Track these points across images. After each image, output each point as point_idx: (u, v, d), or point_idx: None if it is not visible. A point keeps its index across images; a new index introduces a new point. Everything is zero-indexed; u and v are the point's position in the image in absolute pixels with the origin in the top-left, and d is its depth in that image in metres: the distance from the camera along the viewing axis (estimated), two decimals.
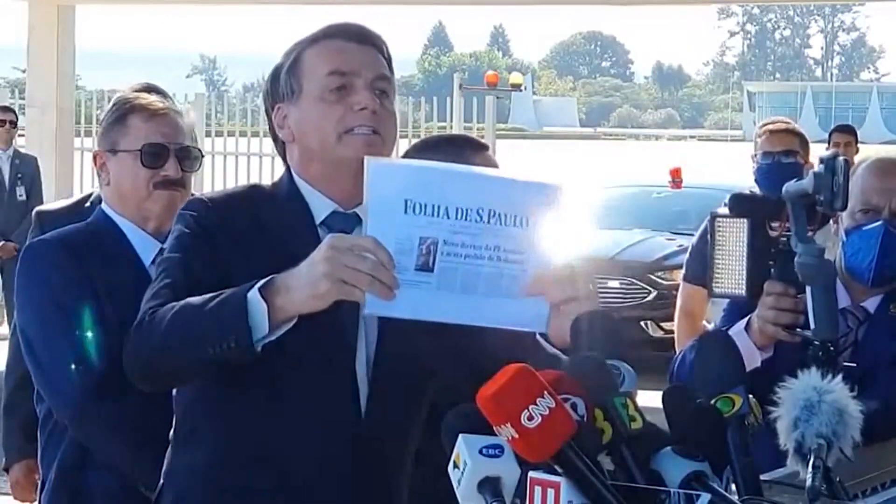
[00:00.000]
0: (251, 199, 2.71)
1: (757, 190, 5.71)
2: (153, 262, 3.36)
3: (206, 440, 2.66)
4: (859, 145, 10.17)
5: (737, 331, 3.12)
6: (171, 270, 2.60)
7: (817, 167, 2.91)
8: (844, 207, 2.93)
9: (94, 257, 3.33)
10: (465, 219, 2.38)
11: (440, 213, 2.37)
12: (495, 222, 2.40)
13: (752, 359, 3.04)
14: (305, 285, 2.35)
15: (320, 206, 2.68)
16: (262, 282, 2.39)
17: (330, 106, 2.64)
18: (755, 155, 5.89)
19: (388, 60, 2.74)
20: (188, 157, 3.45)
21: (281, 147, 2.74)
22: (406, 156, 3.27)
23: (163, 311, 2.49)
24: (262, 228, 2.64)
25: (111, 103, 3.56)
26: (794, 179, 3.00)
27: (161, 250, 3.35)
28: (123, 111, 3.45)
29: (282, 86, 2.69)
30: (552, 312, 2.45)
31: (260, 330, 2.39)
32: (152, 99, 3.51)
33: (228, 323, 2.39)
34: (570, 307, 2.42)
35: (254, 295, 2.38)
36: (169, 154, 3.42)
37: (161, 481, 2.73)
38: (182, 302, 2.48)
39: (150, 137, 3.40)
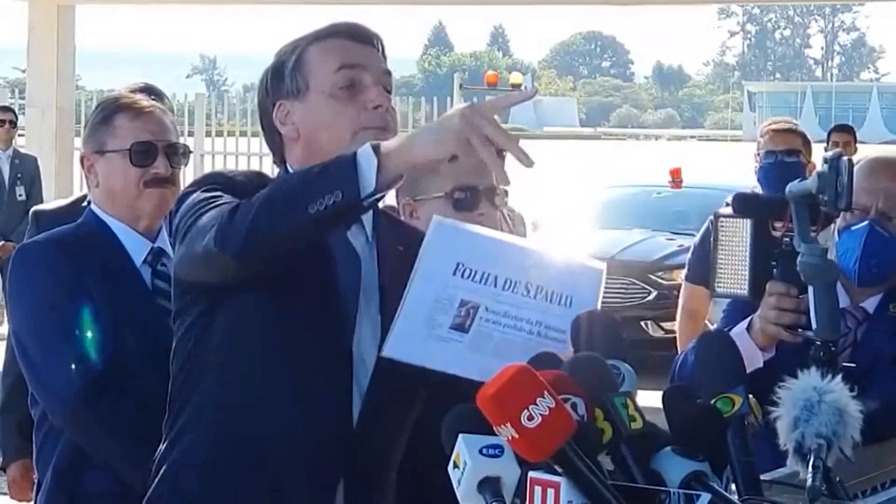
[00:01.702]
0: (262, 184, 2.67)
1: (759, 189, 5.72)
2: (144, 261, 3.37)
3: (199, 442, 2.63)
4: (858, 145, 10.17)
5: (739, 331, 3.11)
6: (218, 199, 2.51)
7: (821, 167, 2.90)
8: (848, 207, 2.92)
9: (85, 258, 3.32)
10: (513, 290, 2.45)
11: (488, 281, 2.43)
12: (542, 299, 2.47)
13: (754, 359, 3.03)
14: (429, 138, 2.31)
15: None
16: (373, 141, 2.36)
17: (342, 104, 2.63)
18: (758, 154, 5.90)
19: (385, 60, 2.74)
20: (176, 154, 3.45)
21: (277, 145, 2.72)
22: None
23: (255, 195, 2.41)
24: None
25: (96, 105, 3.56)
26: (797, 179, 2.99)
27: (152, 249, 3.36)
28: (109, 112, 3.44)
29: (287, 82, 2.67)
30: None
31: (367, 184, 2.31)
32: (137, 98, 3.51)
33: (336, 177, 2.32)
34: None
35: (366, 149, 2.32)
36: (158, 151, 3.41)
37: (153, 478, 2.70)
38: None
39: (138, 136, 3.40)
